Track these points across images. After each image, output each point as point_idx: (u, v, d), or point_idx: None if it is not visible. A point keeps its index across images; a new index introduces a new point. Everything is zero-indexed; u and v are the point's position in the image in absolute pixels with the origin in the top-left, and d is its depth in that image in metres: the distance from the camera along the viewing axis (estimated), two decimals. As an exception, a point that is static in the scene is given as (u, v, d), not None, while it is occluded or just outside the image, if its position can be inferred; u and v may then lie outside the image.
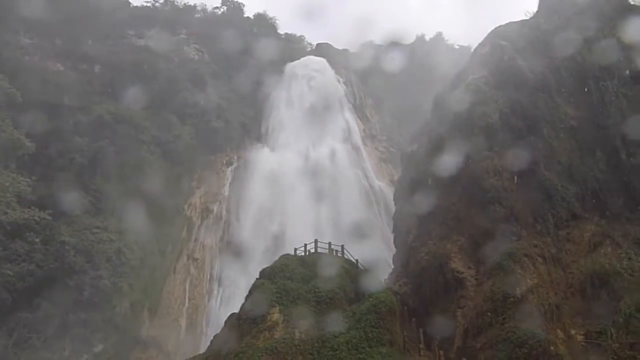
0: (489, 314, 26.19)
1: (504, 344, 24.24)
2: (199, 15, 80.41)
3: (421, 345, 27.00)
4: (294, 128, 66.56)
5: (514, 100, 34.60)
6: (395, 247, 41.77)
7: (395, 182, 54.18)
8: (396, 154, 62.20)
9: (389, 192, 54.03)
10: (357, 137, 68.05)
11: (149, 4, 77.11)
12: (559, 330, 24.59)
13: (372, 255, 40.54)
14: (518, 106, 34.15)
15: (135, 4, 76.16)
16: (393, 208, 46.22)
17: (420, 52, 78.64)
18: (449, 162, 33.33)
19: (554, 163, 31.24)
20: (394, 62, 74.38)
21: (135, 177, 48.33)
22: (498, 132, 33.47)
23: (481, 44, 42.80)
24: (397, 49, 79.60)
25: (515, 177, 31.35)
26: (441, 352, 26.34)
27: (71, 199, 42.02)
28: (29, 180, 40.08)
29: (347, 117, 70.48)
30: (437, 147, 36.17)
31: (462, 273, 29.31)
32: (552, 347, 23.35)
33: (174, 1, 79.36)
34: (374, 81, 76.03)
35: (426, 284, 31.03)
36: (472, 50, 48.48)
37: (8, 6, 52.33)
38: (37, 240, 38.97)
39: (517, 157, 31.26)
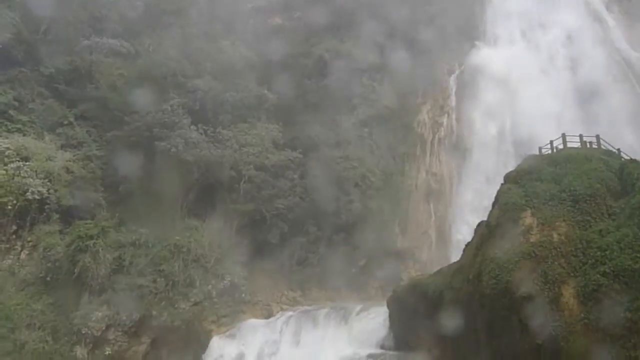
0: None
1: None
2: None
3: None
4: (514, 17, 59.14)
5: None
6: (671, 126, 34.57)
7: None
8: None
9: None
10: (597, 5, 56.79)
11: None
12: None
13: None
14: None
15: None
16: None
17: None
18: None
19: None
20: None
21: (362, 106, 51.11)
22: None
23: None
24: None
25: None
26: None
27: (314, 136, 47.46)
28: (277, 126, 46.66)
29: (580, -16, 59.10)
30: None
31: None
32: None
33: None
34: None
35: None
36: None
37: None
38: (295, 176, 46.11)
39: None
